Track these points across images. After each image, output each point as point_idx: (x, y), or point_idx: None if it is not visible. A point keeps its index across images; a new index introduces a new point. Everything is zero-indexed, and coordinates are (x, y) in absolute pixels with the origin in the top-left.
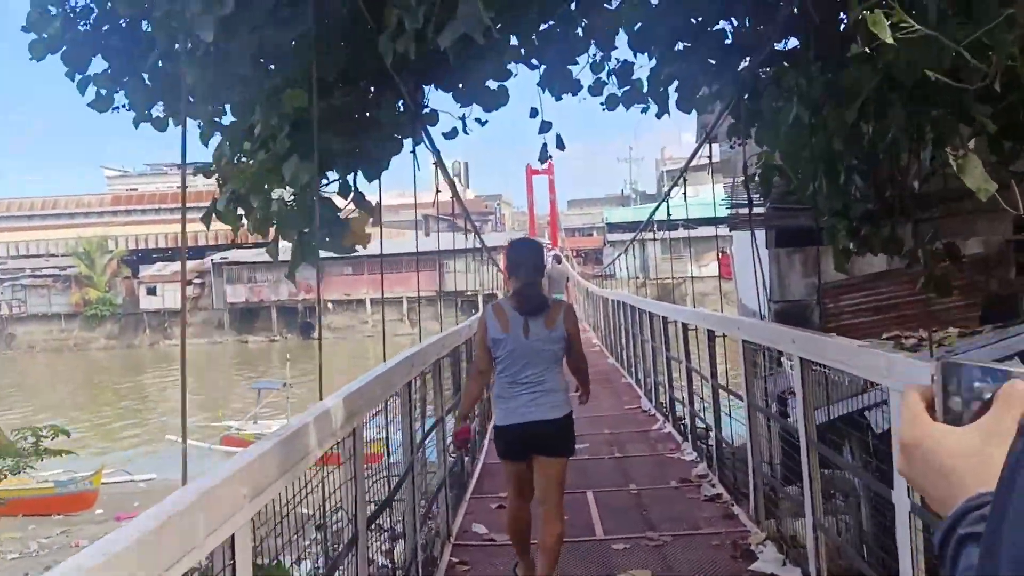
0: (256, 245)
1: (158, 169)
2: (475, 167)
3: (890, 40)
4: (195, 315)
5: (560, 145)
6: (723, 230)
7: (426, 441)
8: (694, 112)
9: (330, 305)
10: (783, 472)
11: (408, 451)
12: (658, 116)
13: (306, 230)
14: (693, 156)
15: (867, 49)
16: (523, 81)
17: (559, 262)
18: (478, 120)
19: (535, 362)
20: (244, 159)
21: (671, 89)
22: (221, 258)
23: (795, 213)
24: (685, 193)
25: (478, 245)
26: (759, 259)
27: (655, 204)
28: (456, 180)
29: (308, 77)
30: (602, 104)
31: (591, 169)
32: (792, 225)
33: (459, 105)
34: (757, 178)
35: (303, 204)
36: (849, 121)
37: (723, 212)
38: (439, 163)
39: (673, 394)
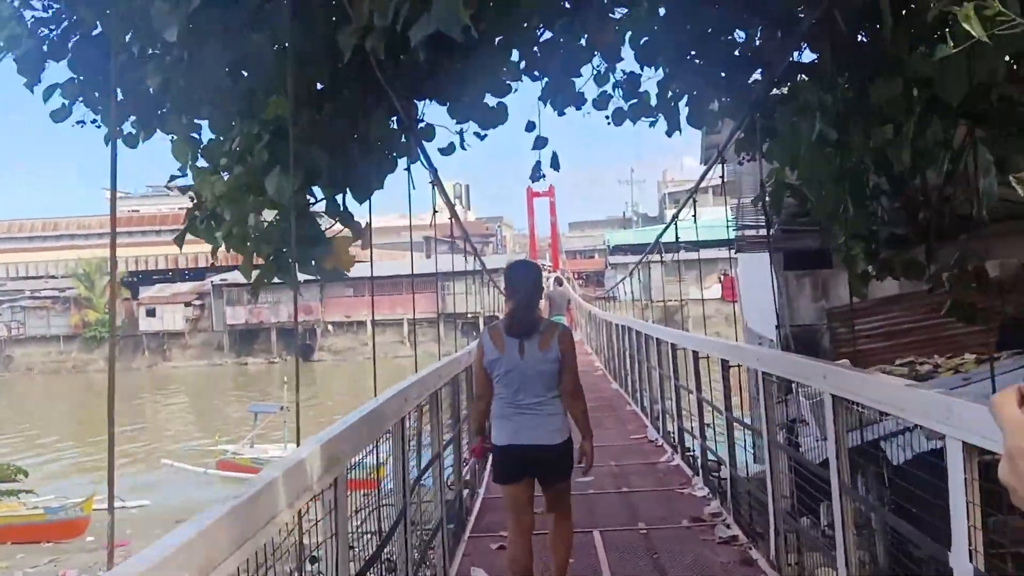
0: (255, 267)
1: (159, 190)
2: (476, 189)
3: (984, 37)
4: (195, 337)
5: (555, 164)
6: (725, 252)
7: (423, 477)
8: (699, 134)
9: (330, 327)
10: (795, 504)
11: (401, 495)
12: (668, 133)
13: (284, 249)
14: (703, 177)
15: (950, 46)
16: (526, 97)
17: (560, 284)
18: (477, 135)
19: (531, 384)
20: (222, 174)
21: (681, 104)
22: (221, 279)
23: (803, 235)
24: (695, 214)
25: (478, 267)
26: (775, 281)
27: (657, 226)
28: (457, 202)
29: (291, 84)
30: (607, 118)
31: (592, 192)
32: (800, 247)
33: (455, 121)
34: (768, 197)
35: (286, 221)
36: (883, 139)
37: (728, 234)
38: (436, 182)
39: (682, 424)
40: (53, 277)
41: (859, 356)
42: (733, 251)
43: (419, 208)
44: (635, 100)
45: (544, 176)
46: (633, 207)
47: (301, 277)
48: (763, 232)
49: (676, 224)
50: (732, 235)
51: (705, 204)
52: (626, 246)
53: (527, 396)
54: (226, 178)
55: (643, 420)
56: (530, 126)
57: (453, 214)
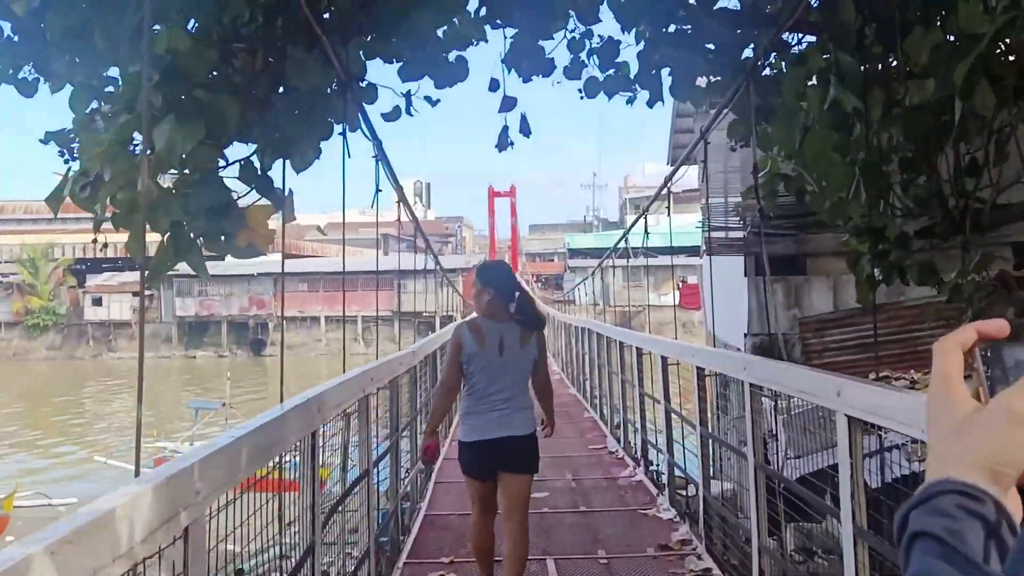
0: (208, 258)
1: None
2: (437, 188)
3: None
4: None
5: (525, 129)
6: (681, 259)
7: (349, 496)
8: (664, 138)
9: (284, 322)
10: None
11: (309, 528)
12: (649, 104)
13: (185, 224)
14: (672, 176)
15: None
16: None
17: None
18: (428, 99)
19: (506, 379)
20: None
21: (665, 73)
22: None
23: (776, 239)
24: (669, 212)
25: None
26: (759, 287)
27: (617, 231)
28: (417, 201)
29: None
30: (580, 91)
31: (554, 196)
32: (773, 252)
33: (403, 80)
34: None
35: (189, 187)
36: (926, 98)
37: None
38: (381, 156)
39: (646, 436)
40: None
41: (829, 369)
42: (699, 256)
43: (381, 205)
44: (612, 71)
45: (512, 144)
46: (594, 212)
47: (254, 270)
48: (735, 235)
49: (646, 226)
50: (700, 239)
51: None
52: (586, 250)
53: (502, 391)
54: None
55: (603, 429)
56: (494, 85)
57: (402, 198)
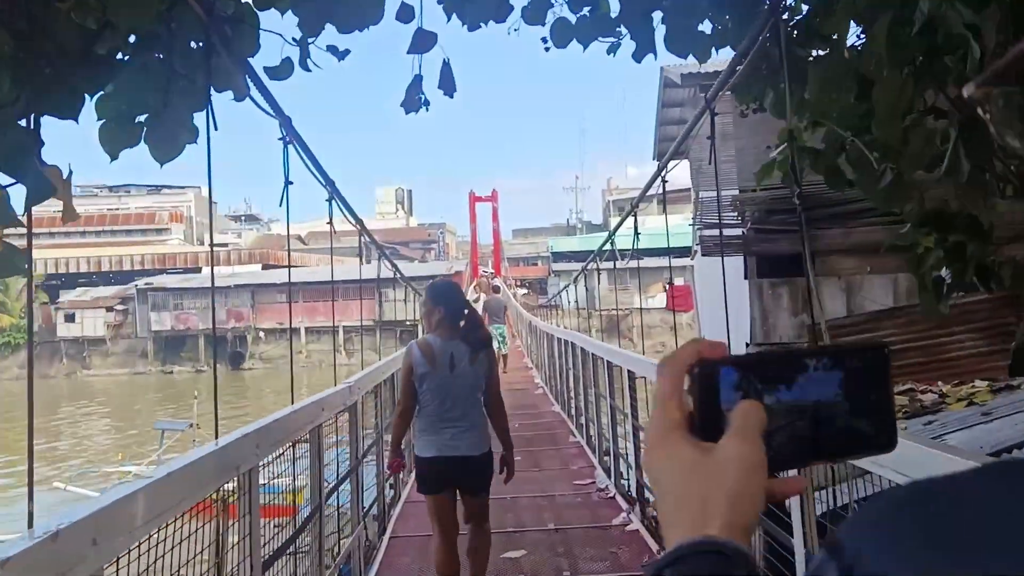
0: (185, 270)
1: (88, 191)
2: (419, 194)
3: None
4: (117, 344)
5: (448, 86)
6: (678, 260)
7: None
8: (649, 137)
9: (262, 334)
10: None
11: None
12: (636, 58)
13: None
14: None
15: None
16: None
17: (497, 291)
18: (332, 49)
19: (458, 398)
20: None
21: (657, 19)
22: (146, 283)
23: (779, 237)
24: (665, 207)
25: (428, 272)
26: (762, 290)
27: (601, 234)
28: (399, 207)
29: None
30: (545, 40)
31: (537, 200)
32: (776, 251)
33: (299, 23)
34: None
35: None
36: None
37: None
38: (292, 136)
39: (642, 477)
40: None
41: None
42: (691, 258)
43: (367, 210)
44: (587, 9)
45: (427, 104)
46: (578, 214)
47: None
48: (728, 234)
49: (636, 226)
50: (691, 239)
51: (650, 213)
52: (569, 253)
53: (454, 409)
54: None
55: (590, 458)
56: (406, 12)
57: (333, 196)
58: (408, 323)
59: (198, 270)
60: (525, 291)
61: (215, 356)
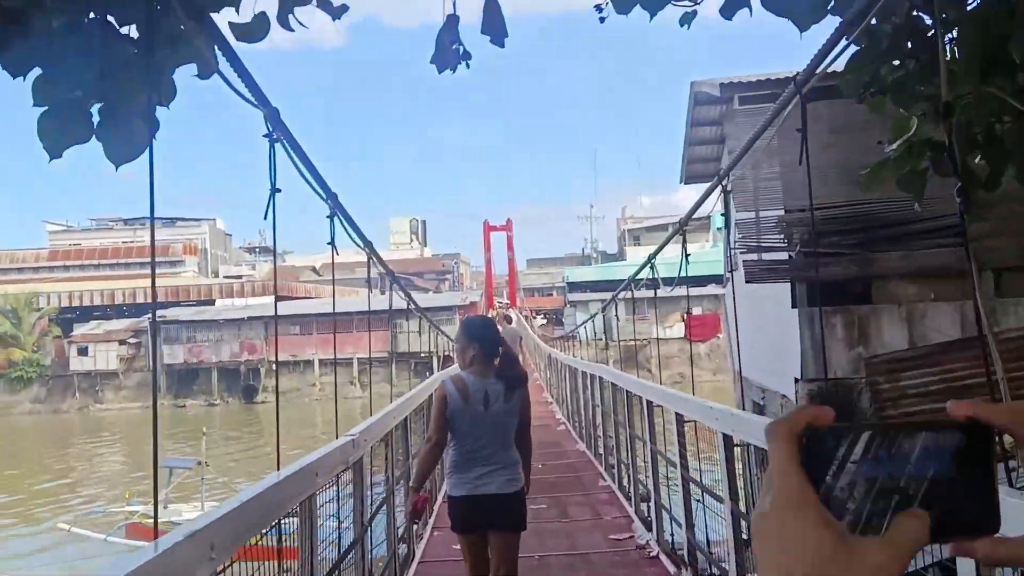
0: (199, 303)
1: (103, 224)
2: (433, 225)
3: None
4: (129, 377)
5: (496, 31)
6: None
7: None
8: (666, 166)
9: (275, 367)
10: None
11: None
12: (727, 14)
13: None
14: (720, 185)
15: None
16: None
17: (509, 322)
18: (326, 6)
19: (491, 435)
20: None
21: None
22: (159, 316)
23: (832, 261)
24: (720, 219)
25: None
26: (813, 320)
27: (616, 263)
28: (414, 238)
29: None
30: (600, 8)
31: (551, 230)
32: (829, 277)
33: None
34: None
35: None
36: None
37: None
38: (278, 134)
39: (694, 537)
40: None
41: (907, 420)
42: (723, 285)
43: (383, 242)
44: None
45: (467, 58)
46: (593, 244)
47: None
48: (772, 257)
49: (684, 248)
50: (716, 267)
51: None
52: (585, 283)
53: (488, 447)
54: None
55: (623, 506)
56: None
57: (335, 212)
58: (423, 355)
59: (212, 302)
60: (543, 321)
61: (277, 390)
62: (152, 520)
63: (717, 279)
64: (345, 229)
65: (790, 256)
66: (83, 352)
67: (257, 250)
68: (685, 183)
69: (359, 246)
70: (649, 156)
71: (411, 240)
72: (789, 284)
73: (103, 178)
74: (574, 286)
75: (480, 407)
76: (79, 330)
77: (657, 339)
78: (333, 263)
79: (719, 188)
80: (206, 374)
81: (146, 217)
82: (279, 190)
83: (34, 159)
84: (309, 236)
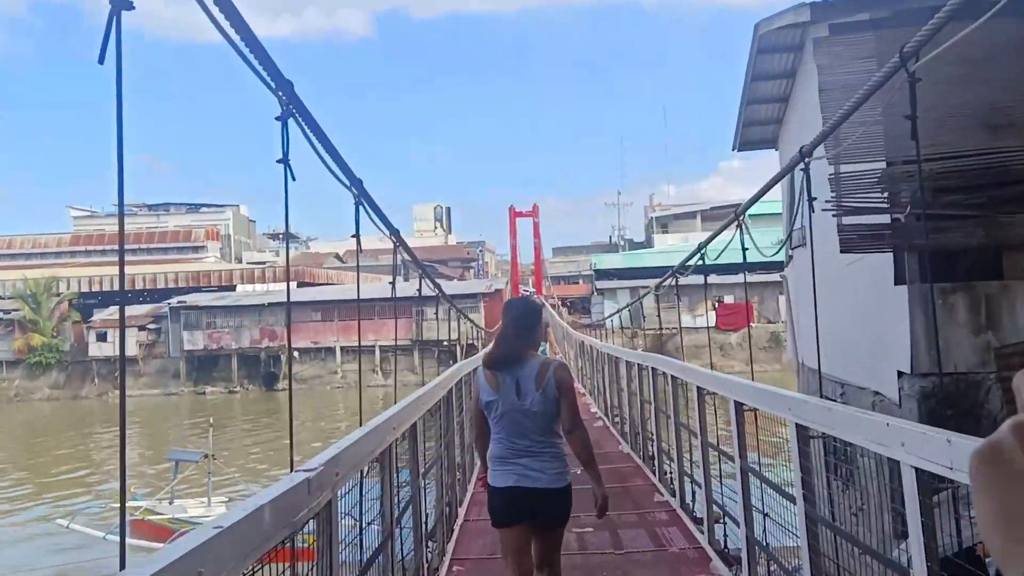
0: (219, 288)
1: (128, 210)
2: (458, 213)
3: None
4: (149, 363)
5: None
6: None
7: None
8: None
9: (296, 354)
10: None
11: None
12: None
13: None
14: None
15: None
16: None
17: None
18: None
19: (529, 425)
20: None
21: None
22: (179, 302)
23: (954, 224)
24: (735, 225)
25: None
26: (926, 300)
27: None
28: (438, 225)
29: None
30: None
31: (575, 219)
32: (950, 244)
33: None
34: None
35: None
36: None
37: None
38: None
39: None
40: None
41: None
42: (785, 266)
43: (407, 228)
44: None
45: None
46: (620, 231)
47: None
48: (876, 222)
49: (743, 232)
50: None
51: (692, 230)
52: (613, 271)
53: (525, 438)
54: None
55: (690, 531)
56: None
57: (361, 199)
58: (446, 343)
59: (232, 288)
60: (568, 309)
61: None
62: (159, 517)
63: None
64: (370, 216)
65: (894, 220)
66: (102, 338)
67: (281, 236)
68: (739, 149)
69: (385, 233)
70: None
71: (435, 227)
72: (892, 256)
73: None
74: (602, 274)
75: (513, 396)
76: (98, 315)
77: (707, 329)
78: (358, 250)
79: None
80: (226, 360)
81: (170, 203)
82: (290, 164)
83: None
84: (334, 223)
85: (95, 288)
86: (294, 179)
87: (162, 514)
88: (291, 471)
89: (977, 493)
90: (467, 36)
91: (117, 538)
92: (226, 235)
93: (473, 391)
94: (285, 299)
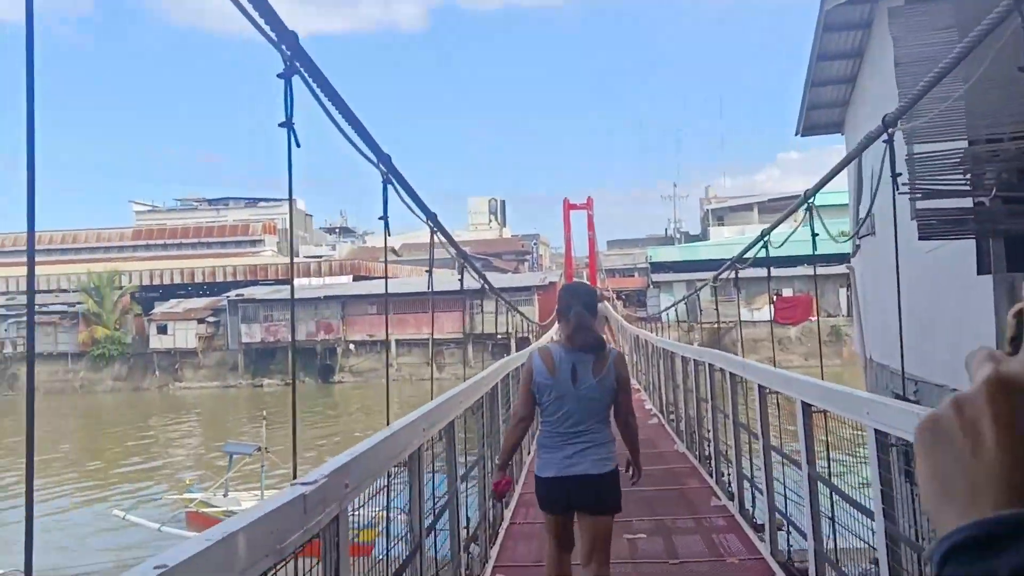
0: (276, 282)
1: (188, 204)
2: (512, 206)
3: None
4: (208, 356)
5: None
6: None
7: None
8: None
9: (352, 346)
10: None
11: None
12: None
13: None
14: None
15: None
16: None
17: (597, 301)
18: None
19: (582, 411)
20: None
21: None
22: (237, 295)
23: None
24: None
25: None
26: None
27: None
28: (492, 218)
29: None
30: None
31: (630, 212)
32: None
33: None
34: None
35: None
36: None
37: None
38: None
39: None
40: (64, 291)
41: None
42: (851, 256)
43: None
44: None
45: None
46: (676, 224)
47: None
48: (956, 206)
49: (812, 217)
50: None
51: (749, 222)
52: (669, 263)
53: (579, 424)
54: None
55: (753, 543)
56: None
57: (390, 175)
58: (499, 337)
59: (289, 281)
60: (623, 302)
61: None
62: (213, 510)
63: (830, 258)
64: (400, 197)
65: (977, 204)
66: (163, 330)
67: (338, 231)
68: (803, 134)
69: (419, 216)
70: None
71: (490, 220)
72: (975, 243)
73: (186, 161)
74: (657, 266)
75: (568, 382)
76: (158, 308)
77: (769, 323)
78: (386, 234)
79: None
80: (283, 353)
81: (229, 197)
82: (293, 126)
83: (125, 144)
84: (393, 217)
85: (155, 281)
86: (299, 145)
87: (216, 507)
88: (293, 480)
89: (917, 459)
90: (520, 28)
91: (172, 530)
92: (283, 229)
93: (524, 372)
94: (341, 293)
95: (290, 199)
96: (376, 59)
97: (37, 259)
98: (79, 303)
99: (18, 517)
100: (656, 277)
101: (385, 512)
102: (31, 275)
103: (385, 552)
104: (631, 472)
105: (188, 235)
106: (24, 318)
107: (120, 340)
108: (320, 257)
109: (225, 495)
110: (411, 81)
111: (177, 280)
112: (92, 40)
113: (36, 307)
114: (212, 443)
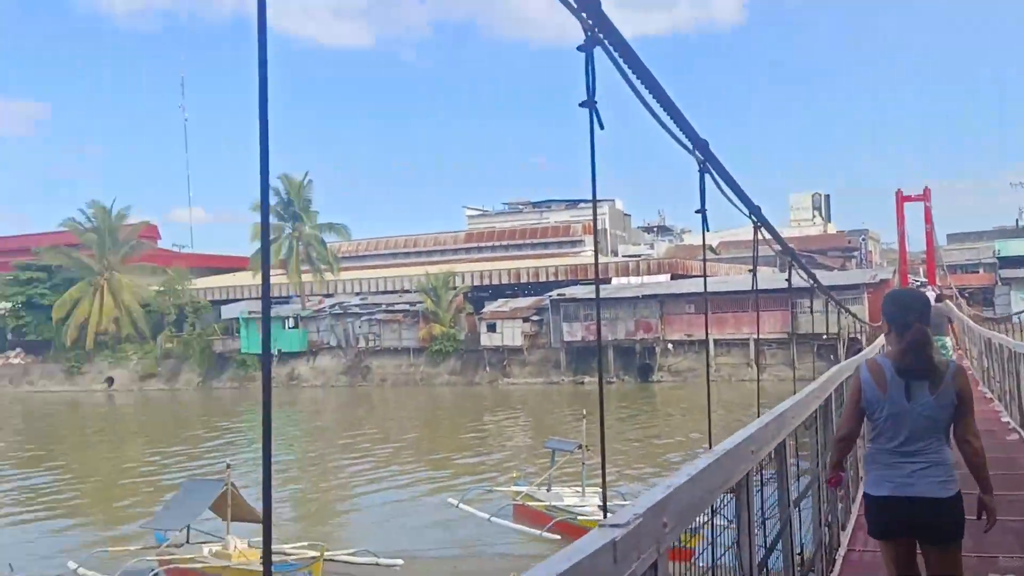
0: (594, 281)
1: (514, 207)
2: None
3: None
4: (532, 353)
5: None
6: None
7: None
8: None
9: (670, 346)
10: None
11: None
12: None
13: None
14: None
15: None
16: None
17: (939, 300)
18: None
19: (917, 431)
20: None
21: None
22: (558, 294)
23: None
24: None
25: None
26: None
27: None
28: (816, 213)
29: None
30: None
31: (973, 203)
32: None
33: None
34: None
35: None
36: None
37: None
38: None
39: None
40: (407, 292)
41: None
42: None
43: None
44: None
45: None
46: None
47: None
48: None
49: None
50: None
51: None
52: (1020, 258)
53: (913, 443)
54: None
55: None
56: None
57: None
58: (825, 337)
59: (608, 280)
60: (966, 300)
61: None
62: (538, 504)
63: None
64: (719, 187)
65: None
66: (492, 328)
67: (655, 229)
68: None
69: (742, 211)
70: None
71: (813, 216)
72: None
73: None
74: (1007, 261)
75: (902, 399)
76: (489, 307)
77: None
78: (704, 228)
79: None
80: (603, 351)
81: (551, 200)
82: (597, 110)
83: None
84: (712, 215)
85: (485, 282)
86: (602, 127)
87: (540, 500)
88: (601, 521)
89: None
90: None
91: (502, 521)
92: (602, 229)
93: (852, 389)
94: (658, 292)
95: (593, 181)
96: (692, 57)
97: (382, 263)
98: (419, 302)
99: (375, 502)
100: (1005, 273)
101: (711, 548)
102: (266, 282)
103: None
104: (982, 517)
105: (514, 237)
106: (372, 316)
107: (455, 337)
108: (638, 256)
109: (548, 490)
110: (730, 75)
111: (504, 280)
112: (432, 64)
113: (383, 306)
114: (538, 438)
